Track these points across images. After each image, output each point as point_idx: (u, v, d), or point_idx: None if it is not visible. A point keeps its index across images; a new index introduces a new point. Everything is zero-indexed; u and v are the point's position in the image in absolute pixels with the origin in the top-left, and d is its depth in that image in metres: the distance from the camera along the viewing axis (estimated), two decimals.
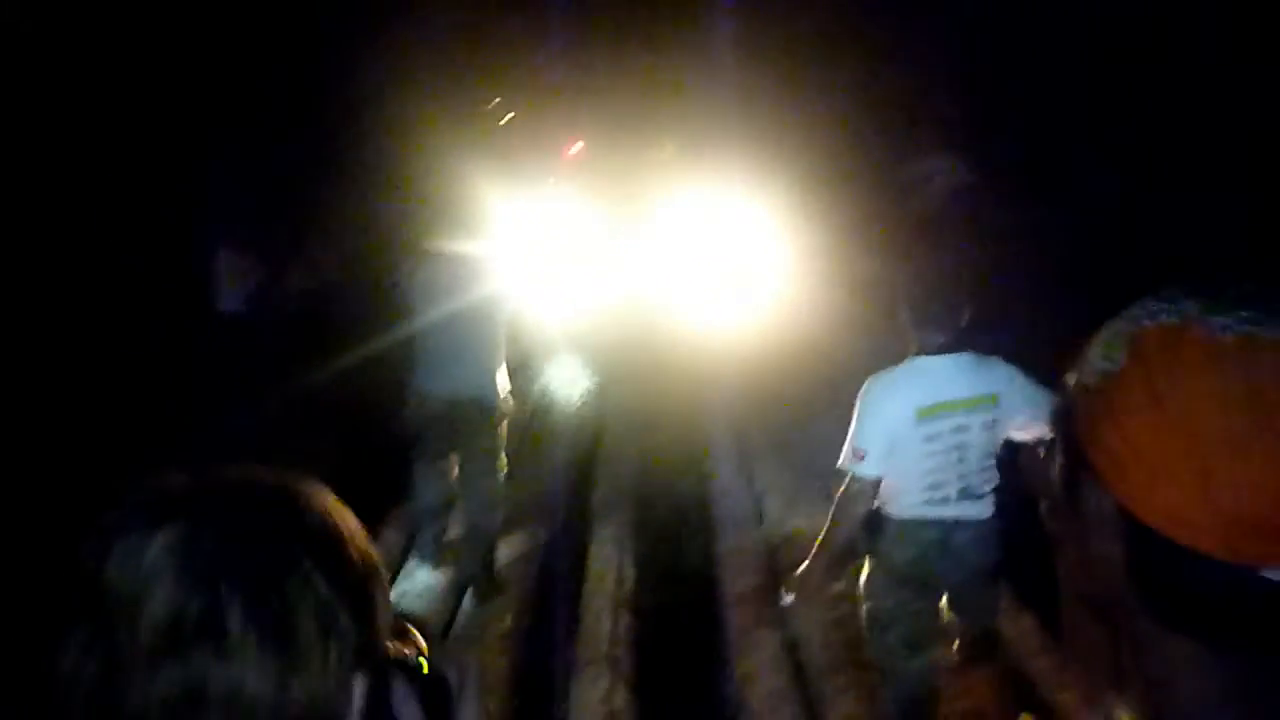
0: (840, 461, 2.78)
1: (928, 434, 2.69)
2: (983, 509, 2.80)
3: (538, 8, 11.87)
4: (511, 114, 13.31)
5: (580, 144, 12.98)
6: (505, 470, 4.24)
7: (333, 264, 7.69)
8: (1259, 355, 0.57)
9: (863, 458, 2.73)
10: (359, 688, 0.69)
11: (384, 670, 0.75)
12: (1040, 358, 2.72)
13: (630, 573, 4.54)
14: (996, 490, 2.80)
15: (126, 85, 6.51)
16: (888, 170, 8.24)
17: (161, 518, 0.65)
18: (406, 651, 0.79)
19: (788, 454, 5.78)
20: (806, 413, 6.37)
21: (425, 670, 0.79)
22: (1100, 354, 0.65)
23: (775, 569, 4.36)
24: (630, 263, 8.63)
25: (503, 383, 4.05)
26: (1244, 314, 0.58)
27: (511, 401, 4.13)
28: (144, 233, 6.49)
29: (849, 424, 2.79)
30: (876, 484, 2.75)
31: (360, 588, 0.69)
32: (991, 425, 2.72)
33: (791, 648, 3.79)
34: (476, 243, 4.01)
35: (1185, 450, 0.58)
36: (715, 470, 5.92)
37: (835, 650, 3.59)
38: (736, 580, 4.36)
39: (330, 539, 0.68)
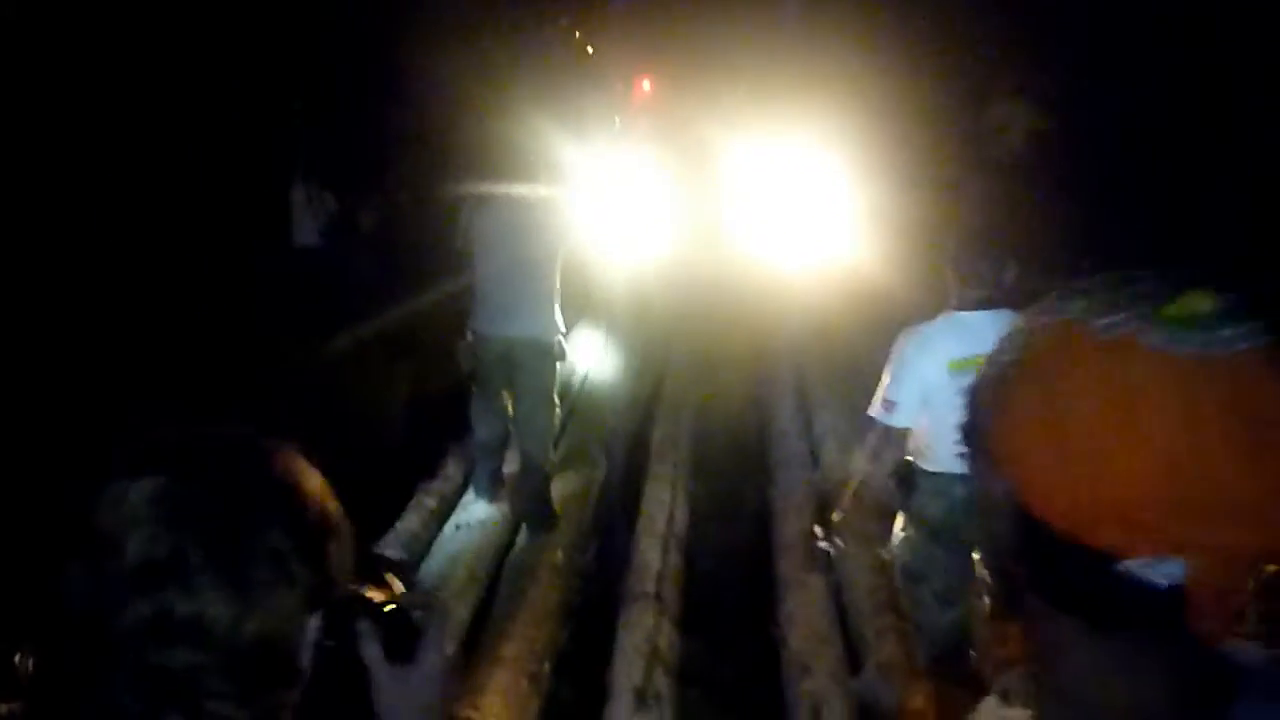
0: (870, 410, 2.80)
1: (960, 387, 2.65)
2: None
3: None
4: (578, 33, 13.22)
5: (648, 82, 12.89)
6: (560, 408, 4.32)
7: (406, 200, 7.83)
8: (1134, 359, 0.61)
9: (892, 409, 2.75)
10: (311, 625, 0.80)
11: (345, 611, 0.84)
12: None
13: (683, 512, 4.62)
14: None
15: (204, 27, 6.66)
16: (964, 117, 8.08)
17: (142, 469, 0.77)
18: (378, 596, 0.87)
19: (847, 399, 5.80)
20: (867, 358, 6.36)
21: (389, 611, 0.87)
22: (1002, 347, 0.70)
23: (827, 514, 4.41)
24: (695, 206, 8.61)
25: (559, 323, 4.13)
26: (1128, 318, 0.62)
27: (566, 342, 4.20)
28: (223, 165, 6.70)
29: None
30: (905, 435, 2.77)
31: (314, 539, 0.80)
32: None
33: (836, 591, 3.86)
34: (539, 186, 4.06)
35: (1061, 444, 0.63)
36: (774, 413, 5.96)
37: (880, 595, 3.63)
38: (787, 523, 4.42)
39: (288, 496, 0.80)
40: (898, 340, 2.78)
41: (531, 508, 4.33)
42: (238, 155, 6.86)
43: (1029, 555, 0.66)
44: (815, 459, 5.14)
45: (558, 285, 4.12)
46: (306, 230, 6.83)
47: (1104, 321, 0.62)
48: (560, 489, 4.60)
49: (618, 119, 11.19)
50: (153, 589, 0.73)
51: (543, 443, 4.24)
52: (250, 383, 4.56)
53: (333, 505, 0.84)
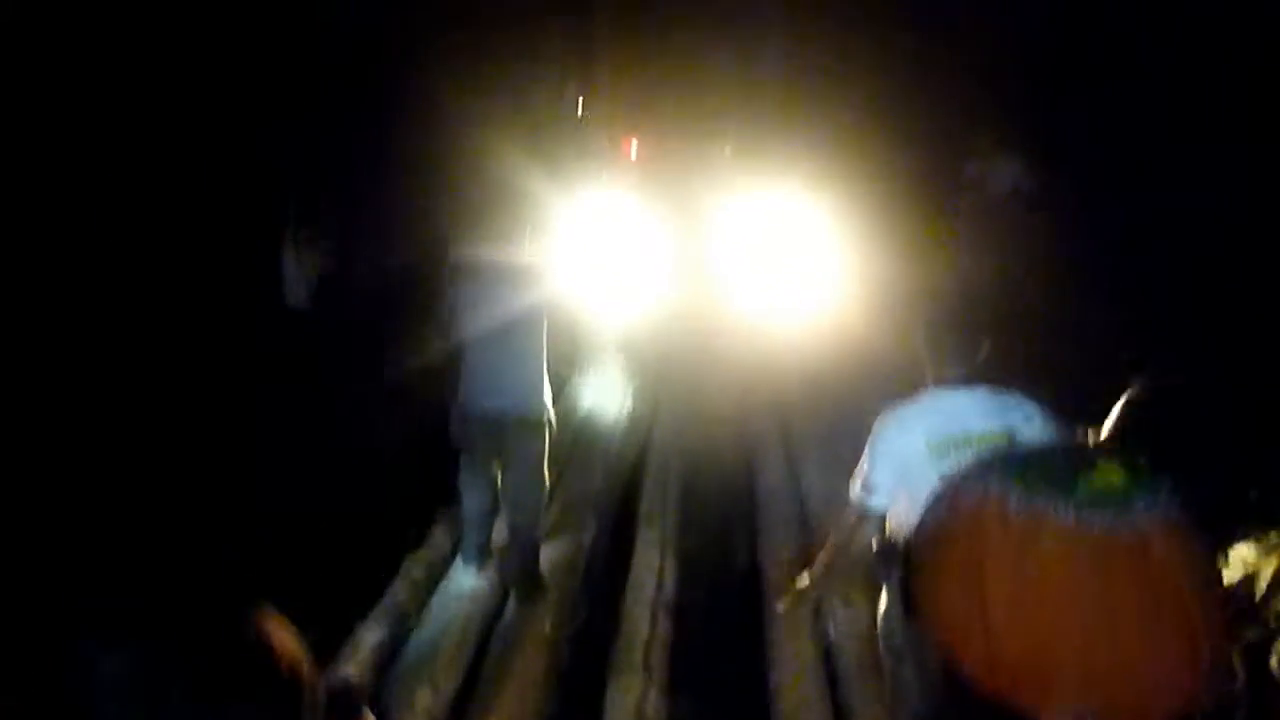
0: (851, 491, 2.78)
1: (940, 468, 2.56)
2: None
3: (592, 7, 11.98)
4: (583, 101, 13.40)
5: (636, 142, 13.05)
6: (549, 481, 4.29)
7: (395, 260, 7.89)
8: (1048, 535, 0.65)
9: (871, 491, 2.72)
10: None
11: None
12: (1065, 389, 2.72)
13: (672, 575, 4.62)
14: None
15: (193, 81, 6.72)
16: (945, 171, 8.20)
17: (115, 637, 0.77)
18: None
19: (835, 457, 5.81)
20: (855, 415, 6.39)
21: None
22: (931, 511, 0.73)
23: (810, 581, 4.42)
24: (683, 262, 8.69)
25: (547, 394, 4.11)
26: (1043, 495, 0.66)
27: (553, 415, 4.16)
28: (212, 226, 6.74)
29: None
30: (883, 517, 2.75)
31: (285, 696, 0.82)
32: None
33: (826, 655, 3.86)
34: (524, 248, 4.06)
35: (983, 612, 0.67)
36: (762, 471, 5.97)
37: (867, 660, 3.63)
38: (776, 585, 4.42)
39: (263, 668, 0.80)
40: (878, 420, 2.76)
41: (520, 579, 4.29)
42: (226, 216, 6.91)
43: (955, 705, 0.69)
44: (804, 519, 5.15)
45: (545, 354, 4.10)
46: (296, 292, 6.90)
47: (1019, 498, 0.66)
48: (549, 553, 4.58)
49: (605, 177, 11.31)
50: None
51: (532, 516, 4.21)
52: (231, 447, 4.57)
53: (303, 667, 0.84)
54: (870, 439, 2.75)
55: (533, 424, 4.05)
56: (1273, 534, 3.04)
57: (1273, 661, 2.94)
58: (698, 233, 9.11)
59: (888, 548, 2.83)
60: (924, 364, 2.78)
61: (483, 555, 4.42)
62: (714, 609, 4.56)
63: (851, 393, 6.76)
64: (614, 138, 12.80)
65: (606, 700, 3.52)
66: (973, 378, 2.70)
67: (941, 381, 2.72)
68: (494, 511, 4.37)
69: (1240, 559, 3.08)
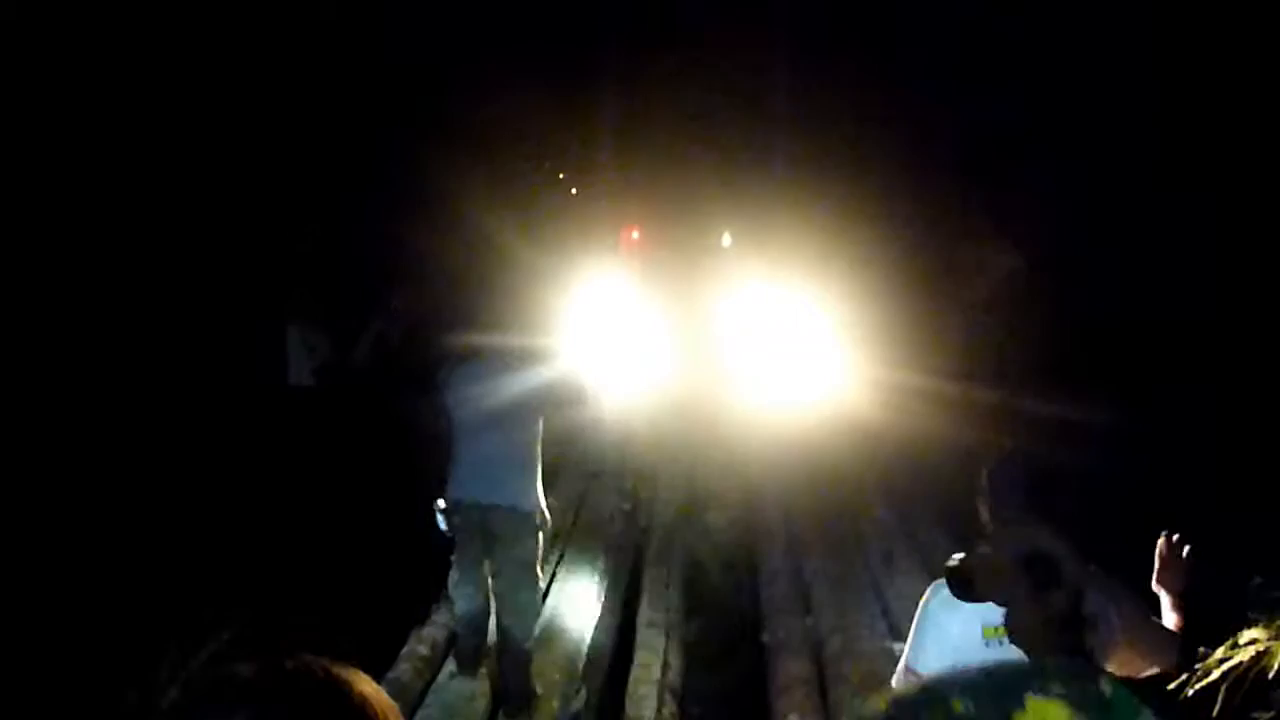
0: (895, 676, 2.38)
1: (1000, 659, 2.20)
2: None
3: (595, 102, 12.32)
4: (574, 189, 13.68)
5: (637, 232, 13.27)
6: (542, 582, 4.07)
7: (397, 340, 7.98)
8: None
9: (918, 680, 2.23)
10: None
11: None
12: None
13: (676, 659, 4.54)
14: None
15: (207, 173, 6.90)
16: (940, 257, 8.38)
17: (232, 703, 0.80)
18: None
19: (836, 542, 5.81)
20: (856, 500, 6.42)
21: None
22: None
23: (819, 661, 4.38)
24: (684, 346, 8.77)
25: (539, 492, 3.90)
26: None
27: (549, 514, 3.96)
28: (220, 306, 6.84)
29: (894, 521, 2.63)
30: None
31: None
32: None
33: None
34: (524, 338, 3.96)
35: None
36: (764, 558, 5.93)
37: None
38: (782, 670, 4.37)
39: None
40: (927, 592, 2.35)
41: (512, 688, 4.01)
42: (233, 297, 7.01)
43: None
44: (807, 602, 5.11)
45: (539, 450, 3.91)
46: (300, 370, 6.97)
47: None
48: (541, 659, 4.35)
49: (608, 264, 11.45)
50: None
51: (524, 619, 3.94)
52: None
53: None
54: (918, 615, 2.33)
55: (521, 518, 3.82)
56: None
57: None
58: (699, 318, 9.22)
59: None
60: (983, 524, 2.33)
61: (476, 662, 4.16)
62: (719, 690, 4.51)
63: (852, 477, 6.81)
64: (617, 226, 13.03)
65: None
66: None
67: None
68: (486, 614, 4.09)
69: (1249, 640, 3.09)
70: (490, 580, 3.95)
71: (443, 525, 3.91)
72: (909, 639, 2.29)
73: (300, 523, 4.91)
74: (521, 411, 3.83)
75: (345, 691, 0.84)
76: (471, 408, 3.82)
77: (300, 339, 6.96)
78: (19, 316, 5.36)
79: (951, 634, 2.19)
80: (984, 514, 2.25)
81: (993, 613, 2.05)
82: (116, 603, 3.71)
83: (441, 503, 3.88)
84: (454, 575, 4.00)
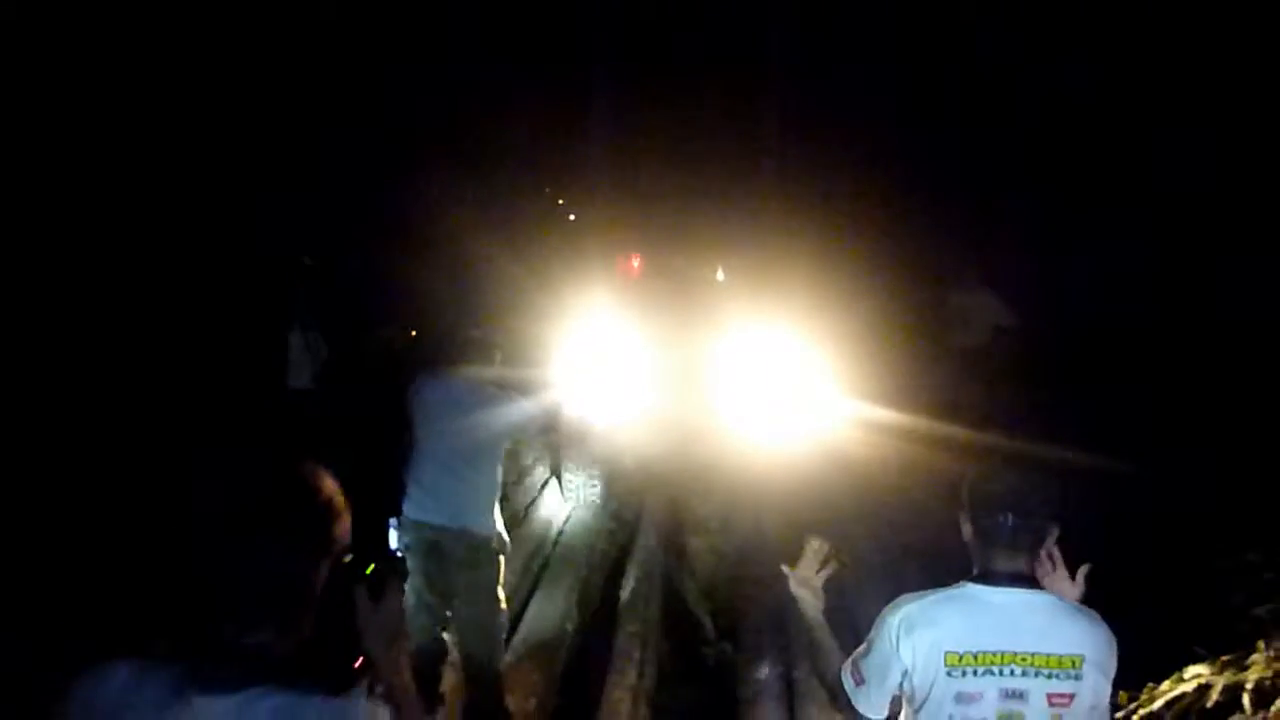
0: (843, 671, 2.19)
1: (960, 692, 2.01)
2: None
3: (592, 132, 12.57)
4: (571, 216, 13.90)
5: (638, 261, 13.47)
6: (505, 608, 3.92)
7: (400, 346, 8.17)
8: None
9: (859, 684, 2.13)
10: (322, 571, 1.34)
11: (344, 566, 1.40)
12: None
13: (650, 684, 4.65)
14: None
15: (218, 187, 7.10)
16: (931, 302, 8.59)
17: (220, 471, 1.36)
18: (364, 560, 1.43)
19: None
20: (845, 546, 6.46)
21: (369, 570, 1.44)
22: None
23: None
24: (677, 377, 8.87)
25: (496, 518, 3.80)
26: None
27: (507, 539, 3.85)
28: (224, 311, 7.02)
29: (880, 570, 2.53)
30: None
31: (327, 517, 1.34)
32: (1066, 702, 1.99)
33: None
34: (508, 367, 3.92)
35: None
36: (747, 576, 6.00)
37: None
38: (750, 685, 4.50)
39: (311, 490, 1.34)
40: (888, 607, 2.12)
41: (485, 710, 3.81)
42: (243, 303, 7.19)
43: None
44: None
45: (499, 480, 3.83)
46: (302, 374, 7.15)
47: None
48: (524, 665, 4.35)
49: (602, 294, 11.57)
50: (239, 538, 1.27)
51: (489, 642, 3.79)
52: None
53: (338, 496, 1.36)
54: (876, 627, 2.12)
55: (478, 543, 3.71)
56: (1224, 657, 3.24)
57: None
58: (692, 350, 9.35)
59: None
60: (969, 546, 2.13)
61: (434, 695, 3.83)
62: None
63: (842, 521, 6.90)
64: (613, 255, 13.24)
65: None
66: (1032, 578, 2.07)
67: (987, 576, 2.06)
68: (442, 654, 3.87)
69: (1194, 674, 3.28)
70: (450, 608, 3.79)
71: (394, 542, 3.69)
72: (865, 643, 2.13)
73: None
74: (487, 435, 3.73)
75: (302, 473, 1.35)
76: (437, 427, 3.73)
77: (303, 343, 7.14)
78: (28, 316, 5.49)
79: (904, 653, 2.03)
80: (966, 530, 2.12)
81: (961, 641, 1.98)
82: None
83: (394, 520, 3.73)
84: (409, 601, 3.63)
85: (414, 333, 7.91)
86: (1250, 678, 3.09)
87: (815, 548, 2.48)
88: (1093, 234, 6.81)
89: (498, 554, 3.77)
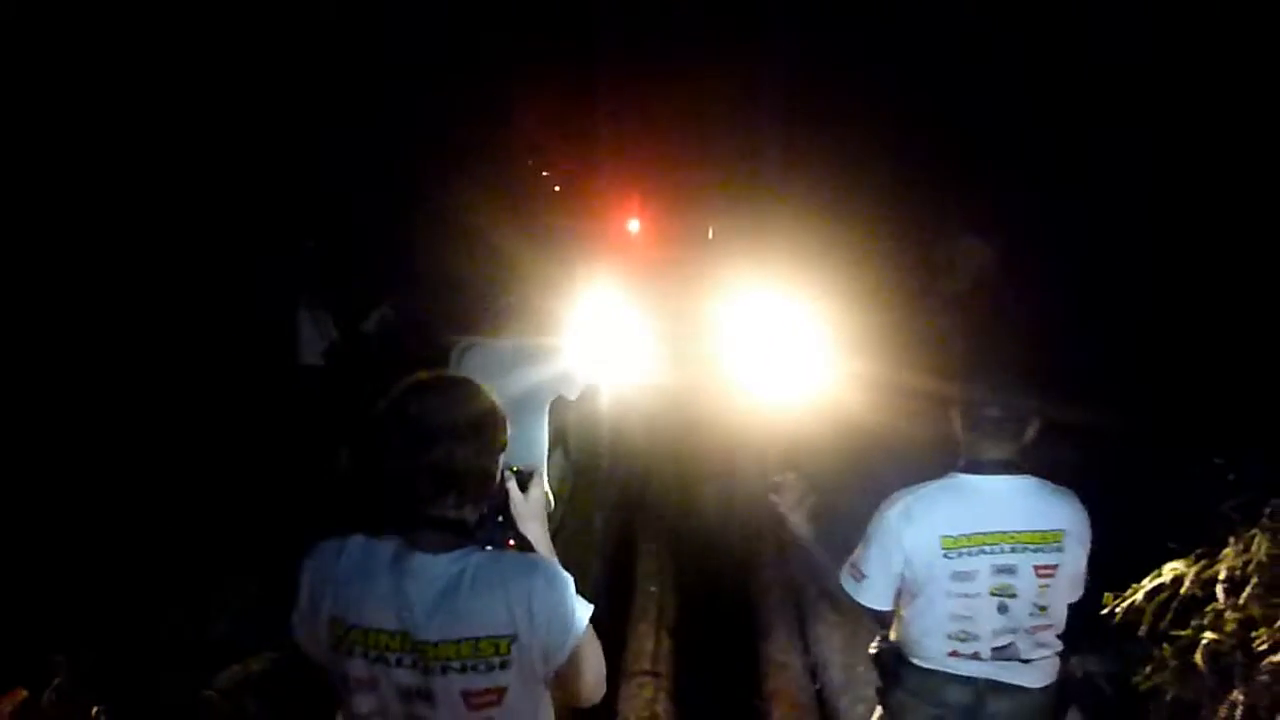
0: (841, 575, 2.40)
1: (957, 571, 2.24)
2: (1030, 676, 2.32)
3: (590, 96, 12.66)
4: (558, 187, 14.03)
5: (637, 222, 13.65)
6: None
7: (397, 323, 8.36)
8: None
9: (860, 581, 2.33)
10: (499, 463, 1.78)
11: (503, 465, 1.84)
12: None
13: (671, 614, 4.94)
14: (1055, 655, 2.36)
15: (216, 160, 7.25)
16: (920, 255, 8.75)
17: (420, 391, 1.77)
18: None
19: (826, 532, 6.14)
20: (844, 500, 6.71)
21: (517, 470, 1.92)
22: None
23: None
24: (673, 342, 9.05)
25: (543, 474, 3.84)
26: None
27: (552, 499, 3.95)
28: (232, 288, 7.21)
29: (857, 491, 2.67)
30: (879, 614, 2.39)
31: (498, 426, 1.78)
32: (1051, 572, 2.25)
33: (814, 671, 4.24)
34: (525, 332, 4.06)
35: None
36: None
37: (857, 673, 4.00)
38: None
39: (492, 406, 1.79)
40: (884, 503, 2.34)
41: None
42: (243, 280, 7.37)
43: None
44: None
45: (546, 438, 3.99)
46: (310, 351, 7.35)
47: None
48: None
49: (602, 259, 11.72)
50: (452, 441, 1.68)
51: None
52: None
53: (501, 411, 1.80)
54: (873, 523, 2.34)
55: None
56: (1198, 550, 3.52)
57: (1197, 656, 3.41)
58: (691, 310, 9.55)
59: (886, 656, 2.44)
60: (955, 440, 2.34)
61: None
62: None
63: (841, 475, 7.12)
64: (611, 220, 13.42)
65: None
66: (1017, 464, 2.28)
67: (976, 466, 2.29)
68: None
69: (1171, 569, 3.56)
70: None
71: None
72: (861, 543, 2.35)
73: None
74: (532, 395, 3.91)
75: (482, 394, 1.79)
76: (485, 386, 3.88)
77: (312, 321, 7.34)
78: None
79: (906, 542, 2.25)
80: (955, 424, 2.34)
81: (953, 524, 2.22)
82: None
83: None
84: None
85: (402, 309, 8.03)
86: (1221, 569, 3.36)
87: (794, 480, 2.77)
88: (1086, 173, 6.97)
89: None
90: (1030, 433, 2.30)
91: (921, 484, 2.32)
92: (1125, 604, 3.42)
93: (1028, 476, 2.28)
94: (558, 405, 4.40)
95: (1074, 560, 2.29)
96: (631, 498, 7.02)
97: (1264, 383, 4.10)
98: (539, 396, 4.00)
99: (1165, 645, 3.35)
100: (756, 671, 4.32)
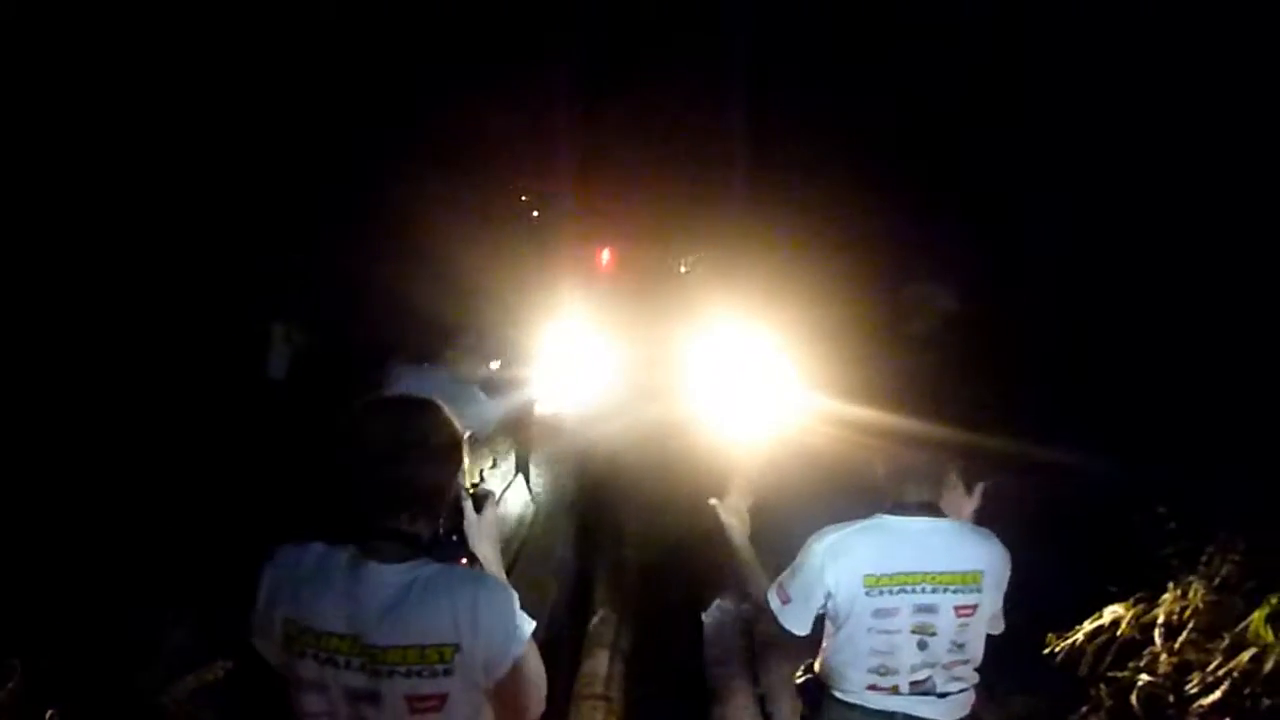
0: (769, 594, 2.46)
1: (879, 608, 2.31)
2: (945, 709, 2.37)
3: (560, 126, 12.77)
4: (537, 212, 14.09)
5: (608, 253, 13.73)
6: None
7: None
8: None
9: (786, 603, 2.41)
10: (455, 481, 1.85)
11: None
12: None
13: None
14: (970, 689, 2.41)
15: (192, 179, 7.26)
16: (885, 296, 8.89)
17: (378, 411, 1.91)
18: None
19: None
20: (797, 530, 6.78)
21: (472, 490, 2.00)
22: None
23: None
24: (642, 374, 9.11)
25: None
26: None
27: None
28: (203, 303, 7.20)
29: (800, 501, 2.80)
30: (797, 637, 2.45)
31: (455, 445, 1.84)
32: (970, 612, 2.32)
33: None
34: (478, 367, 4.08)
35: None
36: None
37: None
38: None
39: (450, 428, 1.84)
40: (813, 537, 2.42)
41: None
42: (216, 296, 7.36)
43: None
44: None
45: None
46: (280, 365, 7.36)
47: None
48: None
49: (573, 290, 11.74)
50: (409, 459, 1.77)
51: None
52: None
53: (459, 430, 1.85)
54: (802, 553, 2.42)
55: None
56: (1138, 594, 3.63)
57: (1133, 698, 3.51)
58: (662, 342, 9.62)
59: (810, 686, 2.52)
60: (880, 485, 2.43)
61: None
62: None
63: (806, 510, 7.19)
64: (583, 250, 13.49)
65: None
66: (937, 507, 2.37)
67: (900, 507, 2.37)
68: None
69: (1111, 612, 3.66)
70: None
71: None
72: (790, 568, 2.42)
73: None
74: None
75: (442, 417, 1.84)
76: None
77: (284, 334, 7.36)
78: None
79: (828, 577, 2.33)
80: (880, 469, 2.42)
81: (876, 563, 2.29)
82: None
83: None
84: None
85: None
86: (1160, 614, 3.48)
87: (739, 485, 2.91)
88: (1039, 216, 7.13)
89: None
90: (953, 477, 2.42)
91: (848, 522, 2.40)
92: (1067, 644, 3.53)
93: (948, 519, 2.37)
94: (519, 434, 4.33)
95: (991, 601, 2.36)
96: (593, 526, 7.06)
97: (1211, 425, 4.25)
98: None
99: (1101, 686, 3.45)
100: (707, 699, 4.38)
